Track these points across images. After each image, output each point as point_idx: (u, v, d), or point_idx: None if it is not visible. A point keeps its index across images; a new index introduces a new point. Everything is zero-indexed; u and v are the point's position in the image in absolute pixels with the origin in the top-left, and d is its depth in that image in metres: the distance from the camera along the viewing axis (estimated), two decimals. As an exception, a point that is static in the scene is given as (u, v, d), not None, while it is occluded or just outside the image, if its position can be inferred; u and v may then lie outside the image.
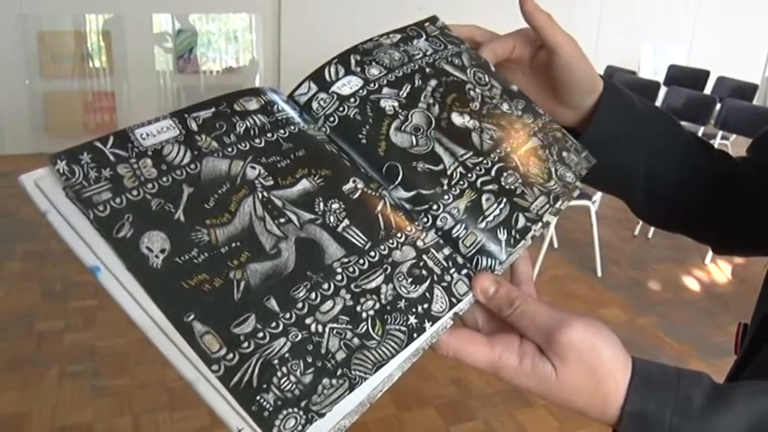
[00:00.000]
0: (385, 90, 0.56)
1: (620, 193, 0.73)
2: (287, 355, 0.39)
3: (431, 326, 0.44)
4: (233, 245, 0.43)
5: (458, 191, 0.51)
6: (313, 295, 0.43)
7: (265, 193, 0.46)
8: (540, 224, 0.54)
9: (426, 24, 0.66)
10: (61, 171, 0.42)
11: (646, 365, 0.46)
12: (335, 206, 0.47)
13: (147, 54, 5.16)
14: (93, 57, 5.00)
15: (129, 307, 0.39)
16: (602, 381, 0.44)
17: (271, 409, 0.37)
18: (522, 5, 0.64)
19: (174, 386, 2.32)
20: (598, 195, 3.61)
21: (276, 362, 0.39)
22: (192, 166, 0.45)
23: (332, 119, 0.53)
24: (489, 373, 0.46)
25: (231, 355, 0.38)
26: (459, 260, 0.49)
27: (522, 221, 0.52)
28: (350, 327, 0.42)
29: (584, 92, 0.66)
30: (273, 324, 0.40)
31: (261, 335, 0.40)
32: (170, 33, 5.22)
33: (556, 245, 3.78)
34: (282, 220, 0.45)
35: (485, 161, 0.54)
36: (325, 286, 0.43)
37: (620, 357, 0.45)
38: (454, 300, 0.46)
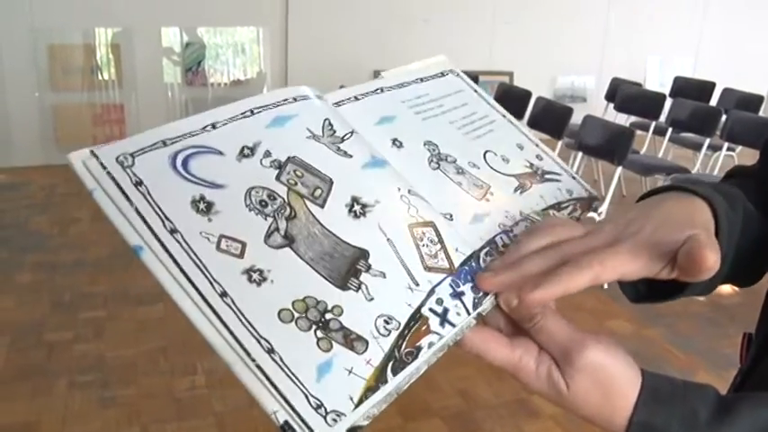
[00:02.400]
0: None
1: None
2: None
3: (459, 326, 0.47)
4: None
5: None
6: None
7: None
8: None
9: None
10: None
11: (654, 379, 0.47)
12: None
13: (155, 67, 5.21)
14: (103, 69, 5.05)
15: (172, 288, 0.41)
16: (611, 399, 0.46)
17: None
18: (704, 262, 0.44)
19: (182, 396, 2.32)
20: (604, 206, 3.61)
21: None
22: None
23: None
24: (508, 373, 0.48)
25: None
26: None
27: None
28: None
29: None
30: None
31: None
32: (178, 46, 5.27)
33: (562, 256, 3.78)
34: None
35: None
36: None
37: (632, 375, 0.47)
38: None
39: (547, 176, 0.64)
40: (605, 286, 3.53)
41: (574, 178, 0.66)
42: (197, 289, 0.41)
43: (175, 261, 0.42)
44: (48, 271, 3.28)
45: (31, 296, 3.08)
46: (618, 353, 0.47)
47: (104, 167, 0.45)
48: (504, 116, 0.68)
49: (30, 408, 2.30)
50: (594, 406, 0.47)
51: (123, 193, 0.44)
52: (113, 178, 0.44)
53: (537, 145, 0.67)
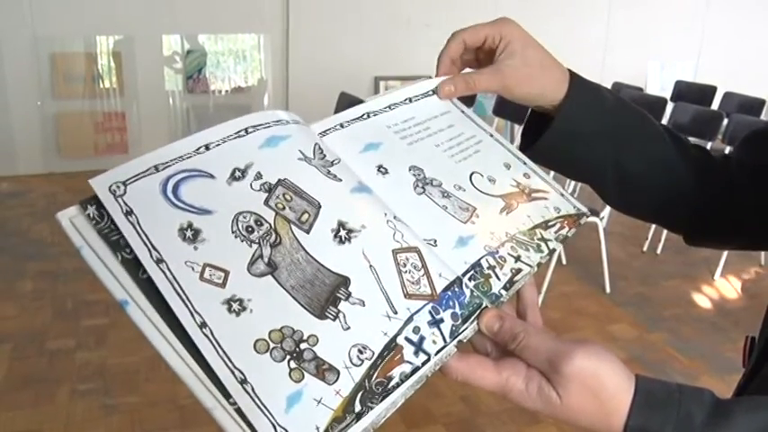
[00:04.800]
0: None
1: (591, 183, 0.74)
2: None
3: (433, 356, 0.47)
4: None
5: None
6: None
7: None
8: (545, 253, 0.57)
9: None
10: (91, 216, 0.46)
11: (648, 383, 0.47)
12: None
13: (156, 74, 5.21)
14: (104, 77, 5.06)
15: (156, 340, 0.43)
16: (605, 403, 0.46)
17: None
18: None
19: (185, 404, 2.32)
20: (606, 211, 3.61)
21: None
22: None
23: None
24: (498, 395, 0.48)
25: None
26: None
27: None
28: None
29: (548, 97, 0.68)
30: None
31: None
32: (179, 54, 5.28)
33: (564, 261, 3.77)
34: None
35: None
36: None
37: (623, 379, 0.47)
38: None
39: (534, 195, 0.64)
40: (608, 291, 3.53)
41: (562, 195, 0.67)
42: (180, 340, 0.42)
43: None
44: (49, 279, 3.28)
45: (32, 304, 3.07)
46: (605, 356, 0.47)
47: (91, 219, 0.45)
48: (491, 135, 0.69)
49: (32, 416, 2.29)
50: (590, 413, 0.47)
51: (110, 245, 0.45)
52: (100, 233, 0.45)
53: (525, 163, 0.68)
